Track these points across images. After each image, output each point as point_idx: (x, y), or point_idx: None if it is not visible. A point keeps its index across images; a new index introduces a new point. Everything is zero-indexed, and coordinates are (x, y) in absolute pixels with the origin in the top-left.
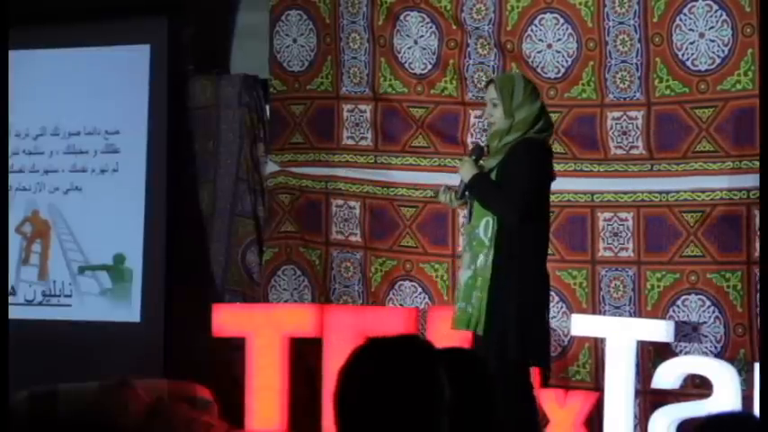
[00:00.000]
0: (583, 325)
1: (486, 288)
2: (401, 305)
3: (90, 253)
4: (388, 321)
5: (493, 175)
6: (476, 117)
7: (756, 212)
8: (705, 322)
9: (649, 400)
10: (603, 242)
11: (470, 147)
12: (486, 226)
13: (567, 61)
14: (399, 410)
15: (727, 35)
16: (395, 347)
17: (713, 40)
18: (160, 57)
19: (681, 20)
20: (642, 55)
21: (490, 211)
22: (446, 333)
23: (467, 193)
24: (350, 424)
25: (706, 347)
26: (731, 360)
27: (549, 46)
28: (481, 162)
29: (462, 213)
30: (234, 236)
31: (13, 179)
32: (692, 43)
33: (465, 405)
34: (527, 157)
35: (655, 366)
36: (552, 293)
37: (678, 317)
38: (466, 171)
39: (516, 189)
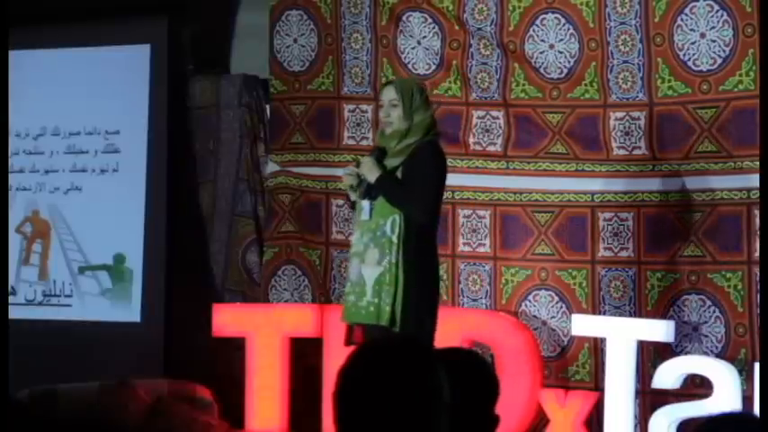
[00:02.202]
0: (583, 325)
1: (401, 284)
2: None
3: (90, 253)
4: None
5: (397, 175)
6: (478, 117)
7: (756, 212)
8: (706, 322)
9: (649, 400)
10: (603, 242)
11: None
12: (393, 224)
13: (569, 62)
14: (398, 411)
15: (728, 35)
16: (394, 348)
17: (714, 41)
18: (160, 57)
19: (682, 20)
20: (644, 55)
21: (400, 210)
22: (445, 332)
23: (371, 192)
24: (349, 424)
25: (706, 347)
26: (732, 360)
27: (552, 46)
28: (384, 162)
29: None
30: (234, 236)
31: (13, 179)
32: (693, 43)
33: (464, 405)
34: (433, 160)
35: (655, 366)
36: (552, 293)
37: (678, 317)
38: (370, 171)
39: (427, 190)
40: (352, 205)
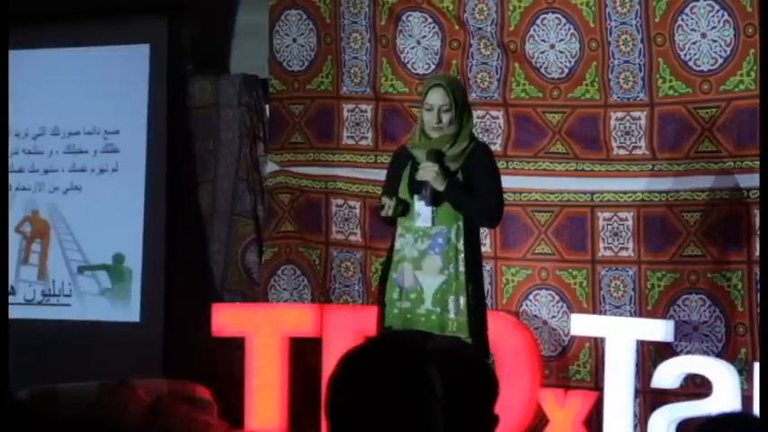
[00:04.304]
0: (583, 325)
1: (471, 293)
2: None
3: (89, 253)
4: None
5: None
6: (478, 117)
7: (756, 212)
8: (706, 322)
9: (649, 399)
10: (603, 242)
11: (427, 153)
12: (458, 231)
13: (570, 62)
14: (392, 410)
15: (729, 35)
16: (386, 346)
17: (715, 41)
18: (160, 57)
19: (683, 20)
20: (645, 55)
21: (471, 216)
22: None
23: (435, 198)
24: (342, 425)
25: (707, 347)
26: (732, 360)
27: (552, 46)
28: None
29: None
30: (234, 236)
31: (12, 179)
32: (694, 43)
33: (463, 405)
34: (493, 162)
35: (655, 366)
36: (552, 293)
37: (678, 316)
38: (436, 178)
39: (496, 194)
40: (390, 221)
